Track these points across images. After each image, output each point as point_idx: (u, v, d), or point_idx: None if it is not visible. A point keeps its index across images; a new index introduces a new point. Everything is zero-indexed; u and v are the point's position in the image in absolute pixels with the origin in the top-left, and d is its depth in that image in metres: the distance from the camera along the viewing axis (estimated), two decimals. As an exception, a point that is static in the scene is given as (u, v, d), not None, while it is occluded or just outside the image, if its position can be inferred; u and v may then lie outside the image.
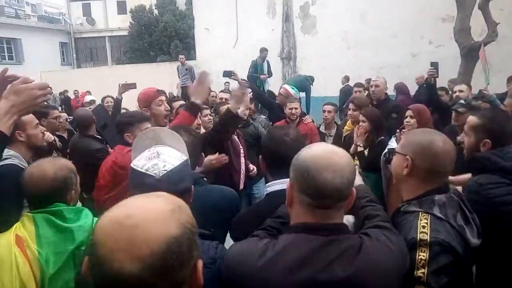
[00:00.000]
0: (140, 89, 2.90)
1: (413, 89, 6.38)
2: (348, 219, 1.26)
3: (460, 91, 4.37)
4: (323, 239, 1.04)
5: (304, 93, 8.24)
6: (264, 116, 4.97)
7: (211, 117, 3.65)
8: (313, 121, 4.39)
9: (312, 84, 8.76)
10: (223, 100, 4.35)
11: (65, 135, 4.19)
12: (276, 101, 4.87)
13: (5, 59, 19.97)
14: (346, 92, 8.46)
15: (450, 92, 5.19)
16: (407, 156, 1.33)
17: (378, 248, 1.06)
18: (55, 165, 1.52)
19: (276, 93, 5.50)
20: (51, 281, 1.38)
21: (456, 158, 1.32)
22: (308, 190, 1.05)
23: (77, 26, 24.33)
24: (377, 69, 9.81)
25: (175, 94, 9.25)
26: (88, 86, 11.54)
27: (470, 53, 7.27)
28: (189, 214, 0.72)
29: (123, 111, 4.42)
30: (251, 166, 3.44)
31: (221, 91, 6.40)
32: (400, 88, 6.40)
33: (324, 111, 4.27)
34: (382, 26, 10.60)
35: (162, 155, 1.15)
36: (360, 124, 3.44)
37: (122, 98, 4.73)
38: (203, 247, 1.10)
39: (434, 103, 4.17)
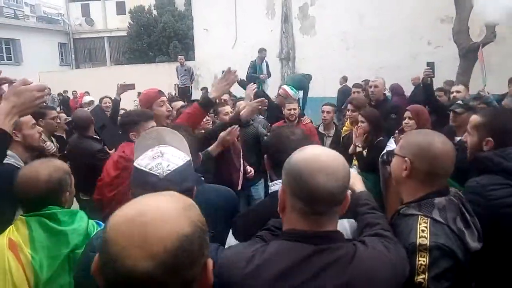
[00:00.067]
0: (139, 90, 2.90)
1: (411, 90, 6.38)
2: (344, 224, 1.23)
3: (457, 91, 4.36)
4: (313, 247, 1.00)
5: (302, 91, 8.21)
6: (262, 117, 4.96)
7: (209, 118, 3.64)
8: (311, 121, 4.38)
9: (310, 82, 8.74)
10: (223, 101, 4.33)
11: (64, 135, 4.20)
12: (275, 102, 4.86)
13: (4, 60, 19.97)
14: (344, 93, 8.42)
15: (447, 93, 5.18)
16: (406, 158, 1.31)
17: (374, 256, 1.03)
18: (49, 167, 1.50)
19: (276, 93, 5.49)
20: (46, 286, 1.36)
21: (457, 159, 1.30)
22: (300, 194, 1.02)
23: (76, 27, 24.34)
24: (376, 69, 9.78)
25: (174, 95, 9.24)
26: (86, 87, 11.50)
27: (469, 54, 7.26)
28: (199, 213, 0.72)
29: (121, 112, 4.40)
30: (249, 168, 3.44)
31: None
32: (395, 89, 6.41)
33: (323, 112, 4.26)
34: (381, 27, 10.58)
35: (166, 154, 1.15)
36: (359, 124, 3.43)
37: (120, 99, 4.71)
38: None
39: (431, 104, 4.16)
